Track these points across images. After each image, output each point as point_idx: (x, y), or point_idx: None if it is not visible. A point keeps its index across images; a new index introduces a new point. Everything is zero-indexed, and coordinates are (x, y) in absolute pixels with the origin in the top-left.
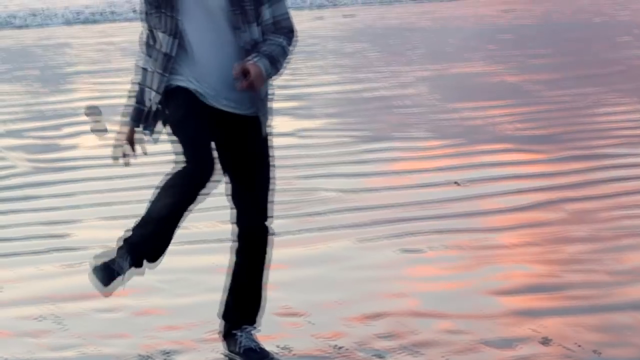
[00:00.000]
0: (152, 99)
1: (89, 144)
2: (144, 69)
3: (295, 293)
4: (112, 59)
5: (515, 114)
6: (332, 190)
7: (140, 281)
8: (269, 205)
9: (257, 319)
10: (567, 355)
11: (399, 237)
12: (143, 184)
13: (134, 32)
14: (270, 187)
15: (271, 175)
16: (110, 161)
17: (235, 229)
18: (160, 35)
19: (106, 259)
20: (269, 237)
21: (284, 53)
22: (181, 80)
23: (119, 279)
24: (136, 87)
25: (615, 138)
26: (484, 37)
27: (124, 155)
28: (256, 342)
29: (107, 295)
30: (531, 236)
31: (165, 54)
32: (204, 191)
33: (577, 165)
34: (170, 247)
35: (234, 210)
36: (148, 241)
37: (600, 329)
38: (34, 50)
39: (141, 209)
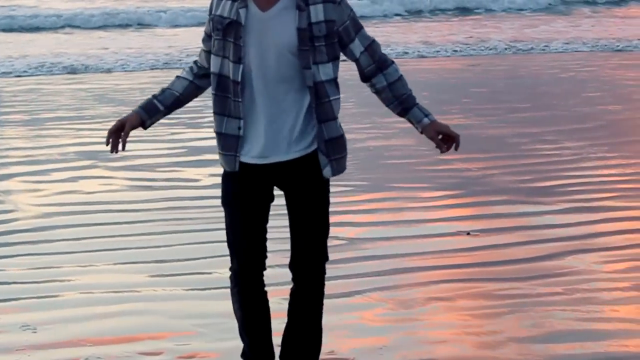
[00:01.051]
0: (241, 126)
1: (84, 189)
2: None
3: (337, 338)
4: (89, 106)
5: (507, 166)
6: (345, 238)
7: (176, 326)
8: (324, 248)
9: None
10: None
11: (425, 285)
12: (148, 230)
13: (106, 80)
14: (327, 229)
15: (328, 217)
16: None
17: (291, 270)
18: (221, 60)
19: None
20: (324, 279)
21: (405, 81)
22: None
23: None
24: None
25: (611, 191)
26: (458, 91)
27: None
28: None
29: None
30: (556, 284)
31: (234, 81)
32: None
33: (582, 217)
34: (204, 292)
35: (291, 252)
36: (255, 350)
37: None
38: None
39: (150, 254)
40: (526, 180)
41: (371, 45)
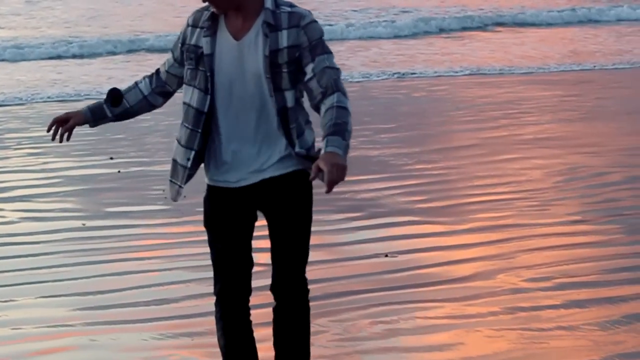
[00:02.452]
0: (190, 157)
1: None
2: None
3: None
4: None
5: (398, 187)
6: (265, 264)
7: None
8: (305, 267)
9: None
10: None
11: (365, 308)
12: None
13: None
14: (308, 248)
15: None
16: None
17: (273, 289)
18: (192, 90)
19: None
20: (307, 297)
21: (348, 112)
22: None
23: None
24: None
25: (511, 209)
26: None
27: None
28: None
29: None
30: (493, 304)
31: (198, 110)
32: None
33: (493, 235)
34: (136, 325)
35: (272, 271)
36: None
37: None
38: None
39: (70, 286)
40: (422, 200)
41: (323, 70)
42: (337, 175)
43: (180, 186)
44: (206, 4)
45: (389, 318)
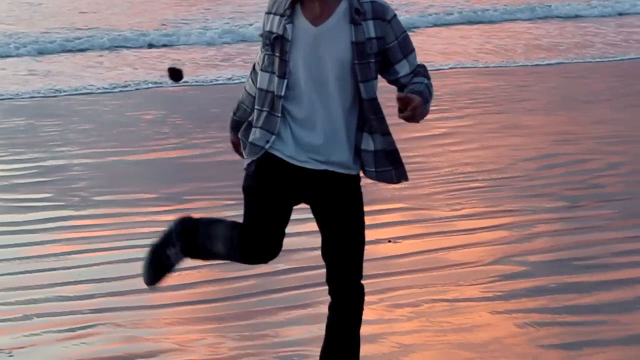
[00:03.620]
0: (270, 140)
1: None
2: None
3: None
4: None
5: None
6: None
7: None
8: (361, 264)
9: None
10: None
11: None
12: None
13: None
14: (363, 244)
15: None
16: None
17: (329, 286)
18: (269, 76)
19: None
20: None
21: (431, 93)
22: (277, 147)
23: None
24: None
25: (501, 195)
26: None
27: None
28: None
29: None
30: (491, 289)
31: (276, 95)
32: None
33: (486, 222)
34: None
35: (327, 268)
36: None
37: None
38: None
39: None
40: (407, 187)
41: (416, 69)
42: (419, 114)
43: (254, 160)
44: None
45: (392, 302)
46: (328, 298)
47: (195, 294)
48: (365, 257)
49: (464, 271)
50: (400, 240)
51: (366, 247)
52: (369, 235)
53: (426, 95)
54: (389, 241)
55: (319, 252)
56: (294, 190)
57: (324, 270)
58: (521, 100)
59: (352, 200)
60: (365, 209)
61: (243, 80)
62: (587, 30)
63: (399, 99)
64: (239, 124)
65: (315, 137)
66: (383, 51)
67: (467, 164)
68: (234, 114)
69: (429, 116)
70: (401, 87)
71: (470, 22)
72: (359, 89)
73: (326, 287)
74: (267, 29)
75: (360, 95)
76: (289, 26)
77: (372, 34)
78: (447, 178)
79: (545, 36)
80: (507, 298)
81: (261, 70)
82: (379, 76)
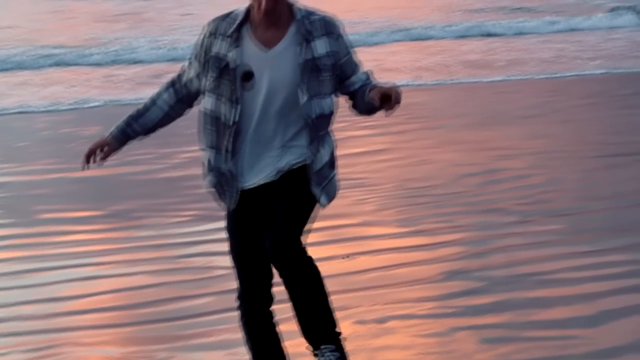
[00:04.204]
0: (228, 159)
1: None
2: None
3: None
4: None
5: None
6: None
7: None
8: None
9: (333, 334)
10: None
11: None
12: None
13: None
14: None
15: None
16: None
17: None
18: (215, 99)
19: None
20: (308, 259)
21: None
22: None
23: None
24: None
25: (451, 210)
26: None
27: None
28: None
29: None
30: (445, 306)
31: (226, 119)
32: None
33: (445, 237)
34: None
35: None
36: None
37: None
38: None
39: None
40: (357, 202)
41: (368, 78)
42: (399, 97)
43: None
44: (227, 13)
45: (357, 319)
46: None
47: (155, 313)
48: (322, 274)
49: (425, 287)
50: (355, 257)
51: (322, 263)
52: (324, 251)
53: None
54: (345, 257)
55: None
56: (263, 211)
57: None
58: (458, 115)
59: (296, 183)
60: (317, 225)
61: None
62: (519, 47)
63: (382, 97)
64: (128, 134)
65: (266, 155)
66: (338, 65)
67: (410, 179)
68: (133, 121)
69: (368, 132)
70: (353, 97)
71: (397, 40)
72: (309, 107)
73: None
74: (214, 52)
75: (309, 111)
76: (236, 50)
77: (325, 50)
78: (393, 194)
79: (476, 52)
80: (470, 314)
81: (207, 91)
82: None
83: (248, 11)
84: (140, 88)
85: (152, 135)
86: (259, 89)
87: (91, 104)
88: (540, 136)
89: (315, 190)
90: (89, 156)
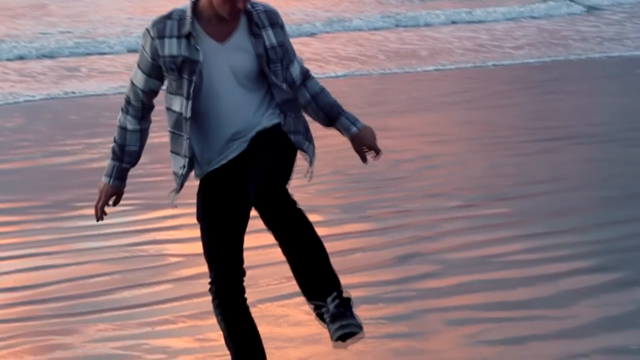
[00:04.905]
0: (185, 164)
1: None
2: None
3: None
4: None
5: None
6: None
7: None
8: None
9: (336, 285)
10: None
11: None
12: None
13: None
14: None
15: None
16: None
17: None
18: (180, 99)
19: None
20: (299, 209)
21: (328, 92)
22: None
23: None
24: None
25: (394, 195)
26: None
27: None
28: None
29: None
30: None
31: (185, 117)
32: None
33: (392, 222)
34: None
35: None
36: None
37: None
38: None
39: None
40: None
41: (302, 66)
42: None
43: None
44: (167, 13)
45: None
46: None
47: (114, 301)
48: (274, 262)
49: (382, 271)
50: None
51: (272, 251)
52: (271, 238)
53: (344, 111)
54: None
55: None
56: (235, 189)
57: None
58: (381, 103)
59: (277, 137)
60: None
61: (92, 91)
62: (435, 37)
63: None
64: (126, 171)
65: (232, 143)
66: (282, 56)
67: (348, 165)
68: (121, 161)
69: None
70: (292, 84)
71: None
72: (270, 95)
73: None
74: (167, 53)
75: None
76: (194, 47)
77: (274, 41)
78: (332, 180)
79: (393, 42)
80: (434, 296)
81: (172, 94)
82: None
83: (193, 8)
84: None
85: (77, 126)
86: (218, 82)
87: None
88: (468, 122)
89: (297, 138)
90: (102, 210)
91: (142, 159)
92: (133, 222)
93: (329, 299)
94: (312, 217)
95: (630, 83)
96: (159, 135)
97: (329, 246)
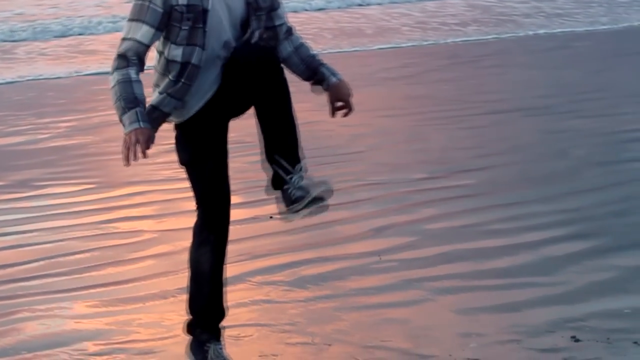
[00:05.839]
0: (178, 107)
1: None
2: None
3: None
4: None
5: None
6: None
7: None
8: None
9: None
10: None
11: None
12: None
13: None
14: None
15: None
16: None
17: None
18: (184, 49)
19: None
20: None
21: (308, 45)
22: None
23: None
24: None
25: (357, 169)
26: None
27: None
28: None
29: None
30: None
31: (194, 65)
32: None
33: (365, 194)
34: None
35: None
36: (210, 305)
37: None
38: None
39: None
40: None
41: (286, 21)
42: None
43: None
44: None
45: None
46: None
47: (96, 277)
48: (251, 235)
49: (360, 244)
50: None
51: (249, 225)
52: (247, 213)
53: (324, 63)
54: (271, 217)
55: None
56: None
57: None
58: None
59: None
60: (235, 186)
61: (29, 75)
62: (369, 15)
63: (343, 108)
64: (147, 115)
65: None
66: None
67: (306, 140)
68: (138, 105)
69: None
70: (276, 35)
71: None
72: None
73: None
74: (185, 2)
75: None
76: None
77: None
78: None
79: (330, 22)
80: (417, 266)
81: (178, 44)
82: None
83: None
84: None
85: (22, 106)
86: (222, 29)
87: None
88: (414, 97)
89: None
90: (135, 154)
91: (94, 138)
92: (99, 200)
93: (298, 167)
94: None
95: (568, 56)
96: (108, 114)
97: (292, 222)
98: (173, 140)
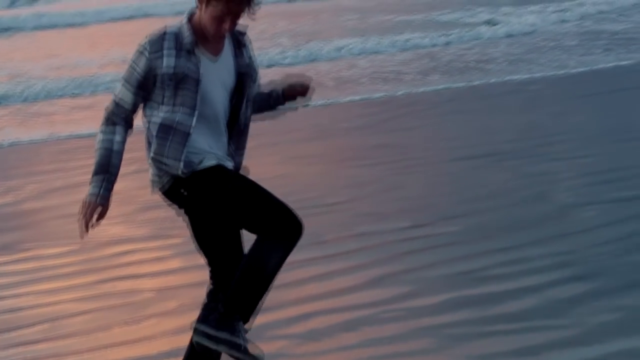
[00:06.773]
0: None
1: None
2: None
3: None
4: None
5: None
6: None
7: None
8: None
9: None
10: None
11: None
12: None
13: None
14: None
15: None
16: None
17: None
18: (172, 110)
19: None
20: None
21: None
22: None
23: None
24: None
25: (322, 219)
26: None
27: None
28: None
29: None
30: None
31: (185, 128)
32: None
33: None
34: None
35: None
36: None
37: None
38: None
39: None
40: None
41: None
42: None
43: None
44: (162, 31)
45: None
46: None
47: (105, 337)
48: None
49: (360, 295)
50: None
51: None
52: None
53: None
54: None
55: None
56: None
57: None
58: (288, 131)
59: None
60: None
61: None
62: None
63: (299, 87)
64: (111, 187)
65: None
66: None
67: (282, 194)
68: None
69: None
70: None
71: None
72: (247, 112)
73: None
74: (165, 67)
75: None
76: (194, 62)
77: (251, 59)
78: None
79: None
80: (425, 314)
81: (164, 104)
82: None
83: (190, 24)
84: None
85: None
86: (213, 96)
87: None
88: (382, 146)
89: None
90: (87, 224)
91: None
92: (87, 261)
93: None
94: None
95: (526, 100)
96: (81, 174)
97: (292, 274)
98: (149, 198)
